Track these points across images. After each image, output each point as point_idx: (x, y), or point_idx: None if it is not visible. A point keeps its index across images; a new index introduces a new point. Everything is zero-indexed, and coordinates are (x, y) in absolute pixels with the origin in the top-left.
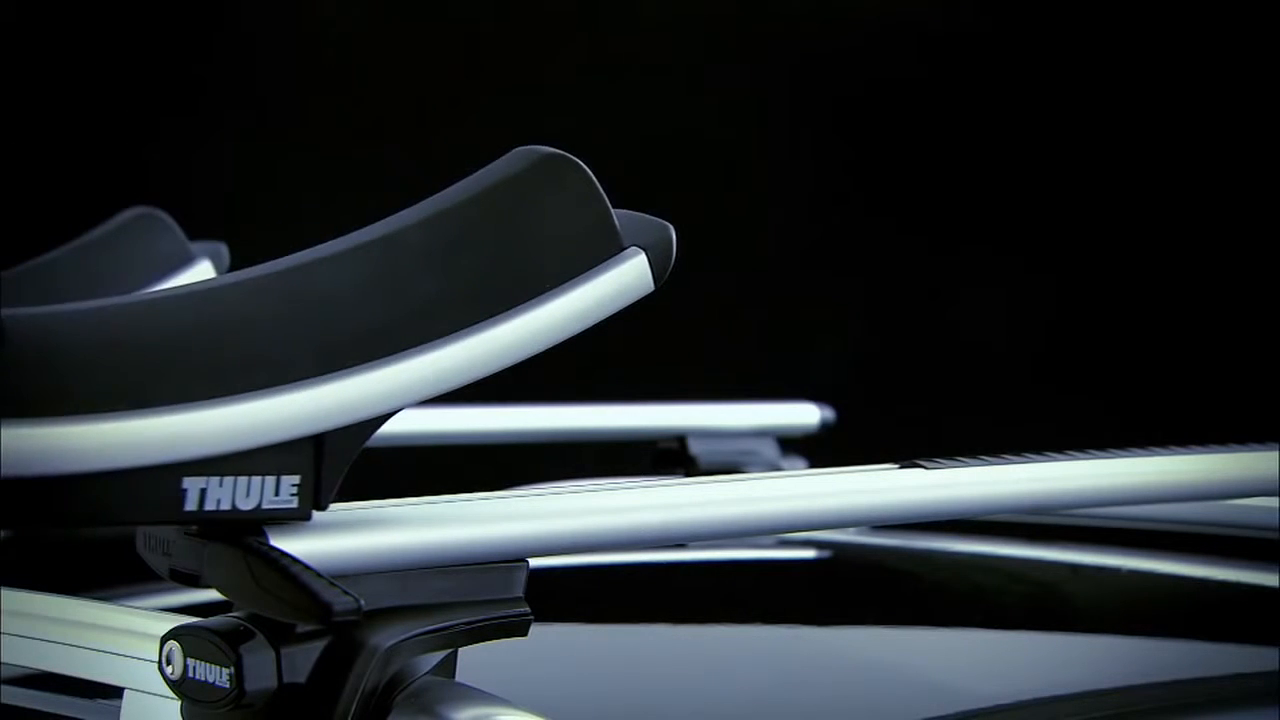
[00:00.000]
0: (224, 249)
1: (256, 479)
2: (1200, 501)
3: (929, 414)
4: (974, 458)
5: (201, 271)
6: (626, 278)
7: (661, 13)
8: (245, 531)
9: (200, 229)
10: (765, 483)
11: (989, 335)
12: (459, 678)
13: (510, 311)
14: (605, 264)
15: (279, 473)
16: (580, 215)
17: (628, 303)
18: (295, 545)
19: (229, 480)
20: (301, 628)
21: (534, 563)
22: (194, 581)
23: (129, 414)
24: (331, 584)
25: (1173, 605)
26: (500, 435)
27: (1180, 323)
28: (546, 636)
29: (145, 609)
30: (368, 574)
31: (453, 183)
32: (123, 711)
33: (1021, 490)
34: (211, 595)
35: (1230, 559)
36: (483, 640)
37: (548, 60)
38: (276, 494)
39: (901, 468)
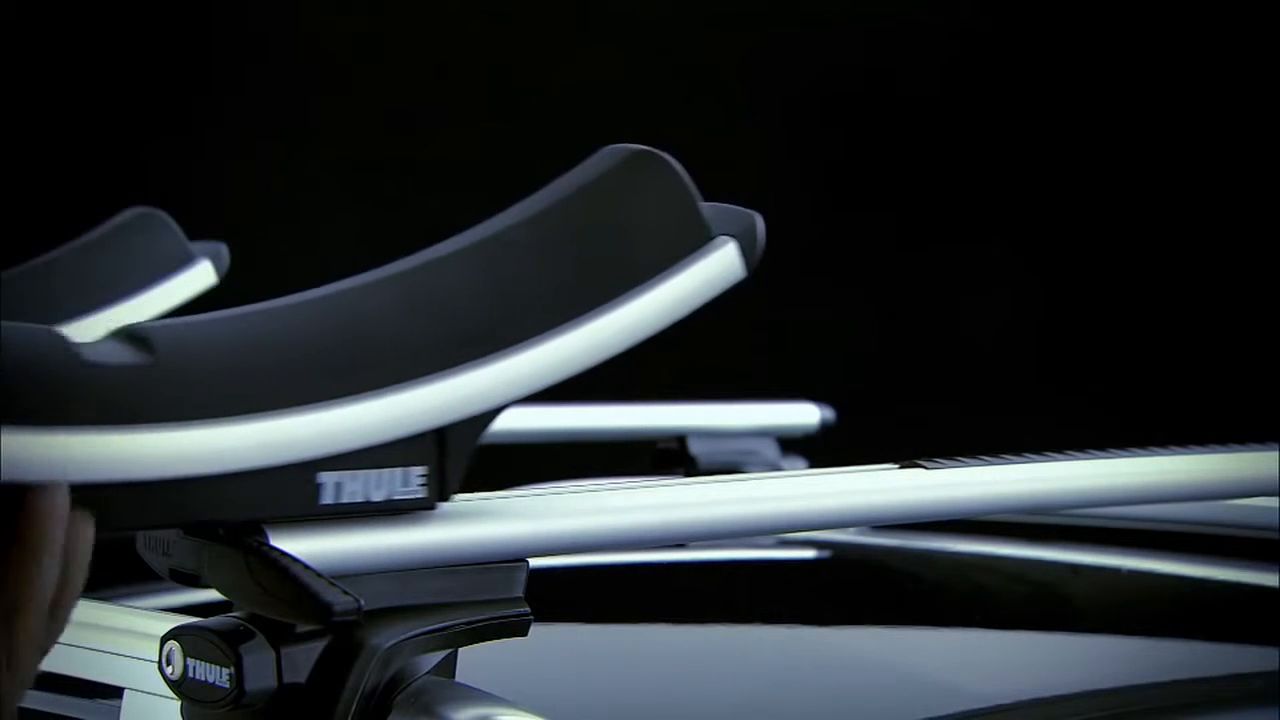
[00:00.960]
0: (224, 249)
1: (386, 471)
2: (1200, 501)
3: (929, 414)
4: (974, 458)
5: (201, 271)
6: (718, 266)
7: (661, 13)
8: (249, 532)
9: (200, 229)
10: (765, 483)
11: (989, 335)
12: (459, 678)
13: (612, 303)
14: (697, 254)
15: (406, 465)
16: (671, 208)
17: (721, 290)
18: (295, 545)
19: (361, 474)
20: (301, 628)
21: (534, 563)
22: (194, 581)
23: (268, 415)
24: (331, 584)
25: (1173, 605)
26: (500, 435)
27: (1180, 323)
28: (546, 636)
29: (145, 609)
30: (368, 574)
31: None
32: (123, 711)
33: (1021, 490)
34: (211, 595)
35: (1230, 559)
36: (483, 640)
37: (547, 60)
38: (405, 485)
39: (901, 468)
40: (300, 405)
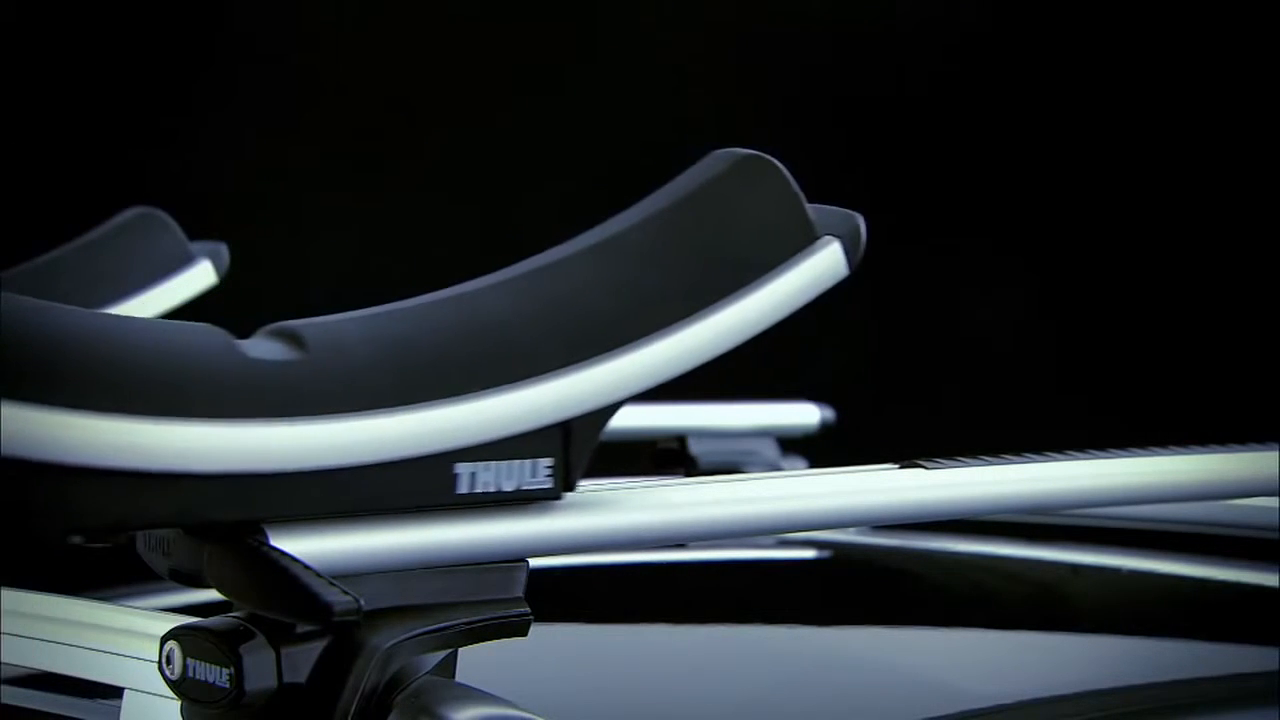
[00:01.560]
0: (224, 249)
1: (517, 463)
2: (1200, 501)
3: (929, 414)
4: (974, 458)
5: (201, 271)
6: (823, 265)
7: (660, 13)
8: (244, 533)
9: (200, 229)
10: (765, 483)
11: (989, 335)
12: (459, 678)
13: (723, 301)
14: (803, 253)
15: (535, 456)
16: (778, 209)
17: (826, 288)
18: (295, 545)
19: (493, 465)
20: (301, 628)
21: (534, 563)
22: (194, 581)
23: (410, 408)
24: (331, 584)
25: (1173, 605)
26: None
27: (1180, 322)
28: (546, 636)
29: (145, 609)
30: (368, 574)
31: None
32: (123, 711)
33: (1021, 490)
34: (211, 595)
35: (1230, 559)
36: (483, 640)
37: (547, 60)
38: (533, 476)
39: (901, 468)
40: (439, 399)
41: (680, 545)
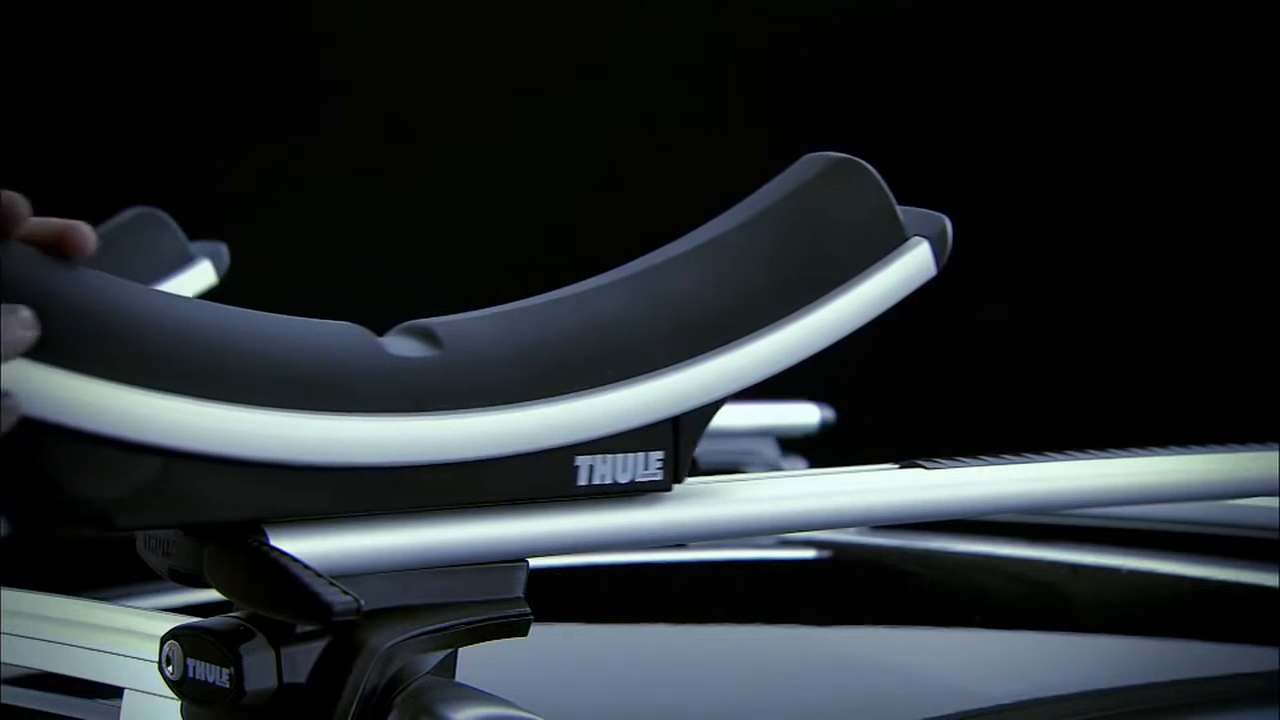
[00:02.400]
0: (224, 249)
1: (631, 456)
2: (1200, 501)
3: (929, 414)
4: (974, 458)
5: (201, 271)
6: (913, 265)
7: (660, 12)
8: (249, 532)
9: (200, 229)
10: (765, 483)
11: (989, 335)
12: (459, 678)
13: (820, 300)
14: (894, 253)
15: (647, 449)
16: (870, 211)
17: (916, 287)
18: (295, 545)
19: (610, 458)
20: (301, 628)
21: (534, 563)
22: (194, 581)
23: (537, 403)
24: (331, 584)
25: (1173, 605)
26: None
27: (1180, 322)
28: (546, 636)
29: (145, 609)
30: (368, 574)
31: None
32: (123, 711)
33: (1021, 490)
34: (211, 595)
35: (1230, 559)
36: (483, 640)
37: (547, 60)
38: (645, 469)
39: (901, 468)
40: (562, 395)
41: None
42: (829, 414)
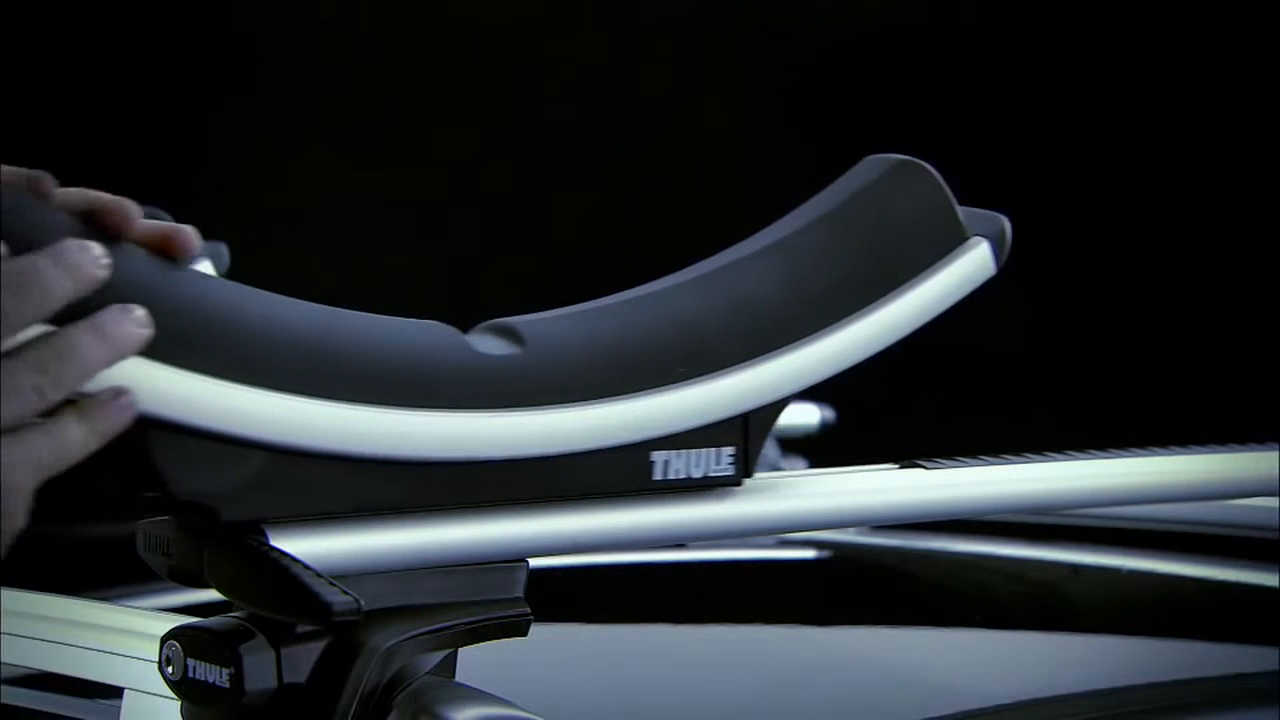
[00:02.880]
0: (224, 249)
1: (703, 451)
2: (1200, 501)
3: (929, 414)
4: (974, 458)
5: (202, 271)
6: (973, 264)
7: (660, 12)
8: (249, 532)
9: (200, 229)
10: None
11: (989, 335)
12: (459, 678)
13: (884, 299)
14: (955, 253)
15: (719, 445)
16: (931, 211)
17: (976, 286)
18: (295, 545)
19: (684, 453)
20: (301, 628)
21: (535, 563)
22: (194, 581)
23: (616, 399)
24: (331, 584)
25: (1173, 605)
26: None
27: (1180, 322)
28: (546, 636)
29: (145, 609)
30: (368, 574)
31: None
32: (123, 711)
33: (1021, 490)
34: (211, 595)
35: (1230, 559)
36: (483, 640)
37: (547, 60)
38: (717, 464)
39: (901, 468)
40: (640, 391)
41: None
42: (829, 414)
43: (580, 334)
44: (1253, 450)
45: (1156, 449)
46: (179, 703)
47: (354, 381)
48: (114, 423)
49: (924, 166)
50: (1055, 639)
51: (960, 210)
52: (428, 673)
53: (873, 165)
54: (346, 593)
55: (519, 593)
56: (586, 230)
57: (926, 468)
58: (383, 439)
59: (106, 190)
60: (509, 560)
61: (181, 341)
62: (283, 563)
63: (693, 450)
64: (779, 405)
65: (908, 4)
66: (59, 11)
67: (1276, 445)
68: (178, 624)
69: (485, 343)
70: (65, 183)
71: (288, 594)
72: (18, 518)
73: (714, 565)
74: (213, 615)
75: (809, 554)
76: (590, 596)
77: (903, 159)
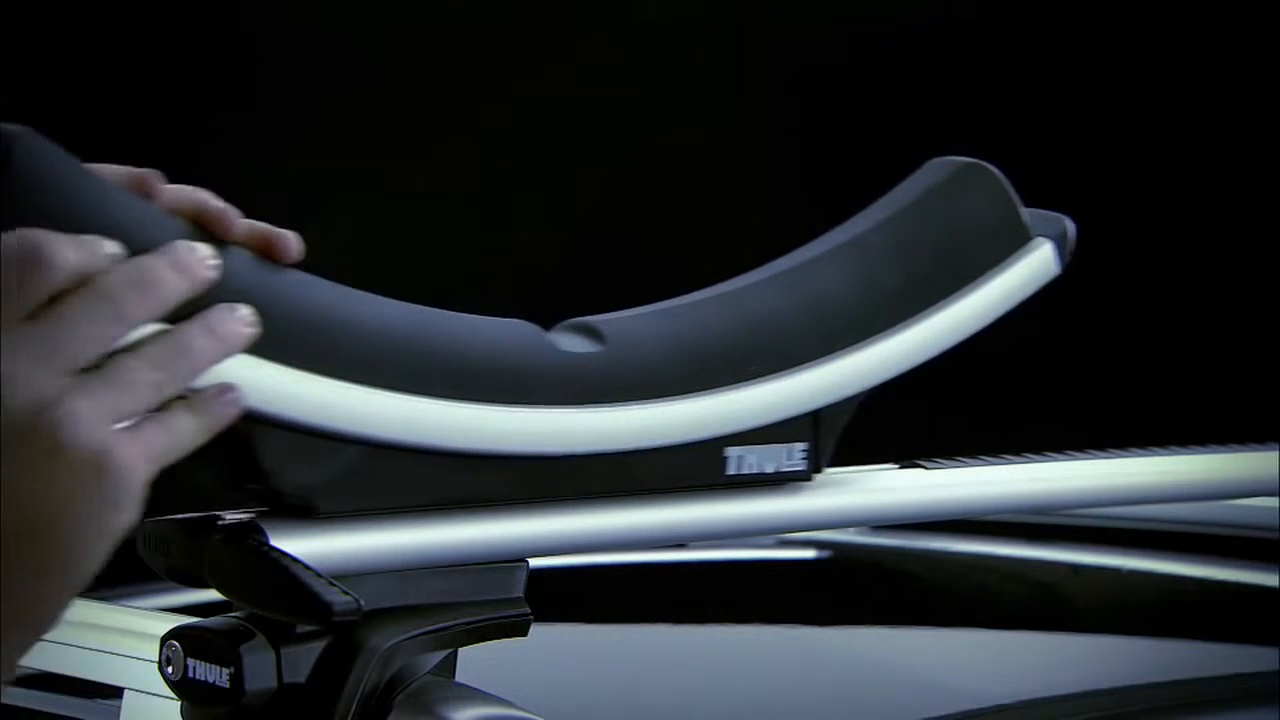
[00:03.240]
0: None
1: (775, 447)
2: (1200, 501)
3: (929, 414)
4: (974, 458)
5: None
6: (1037, 264)
7: (660, 12)
8: (249, 532)
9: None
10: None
11: (989, 335)
12: (459, 678)
13: (951, 298)
14: (1020, 253)
15: (790, 441)
16: (997, 212)
17: (1040, 285)
18: (295, 545)
19: (757, 449)
20: (301, 628)
21: (535, 563)
22: (194, 581)
23: (693, 396)
24: (331, 584)
25: (1173, 605)
26: None
27: (1180, 322)
28: (546, 636)
29: (145, 609)
30: (367, 574)
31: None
32: (123, 711)
33: (1021, 490)
34: (211, 595)
35: (1230, 559)
36: (483, 640)
37: (547, 61)
38: (789, 459)
39: (901, 468)
40: (716, 388)
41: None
42: None
43: (658, 332)
44: (1253, 450)
45: (1156, 449)
46: (179, 703)
47: (448, 378)
48: (222, 417)
49: (989, 168)
50: (1055, 639)
51: (1024, 211)
52: (428, 673)
53: (939, 167)
54: (346, 593)
55: (519, 593)
56: (589, 229)
57: (926, 468)
58: (474, 434)
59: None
60: (509, 560)
61: (285, 339)
62: (283, 563)
63: (765, 446)
64: (849, 402)
65: (913, 4)
66: (59, 11)
67: (1276, 445)
68: (178, 624)
69: (568, 341)
70: None
71: (288, 594)
72: (133, 510)
73: (714, 565)
74: (213, 615)
75: (809, 554)
76: (590, 596)
77: (969, 161)
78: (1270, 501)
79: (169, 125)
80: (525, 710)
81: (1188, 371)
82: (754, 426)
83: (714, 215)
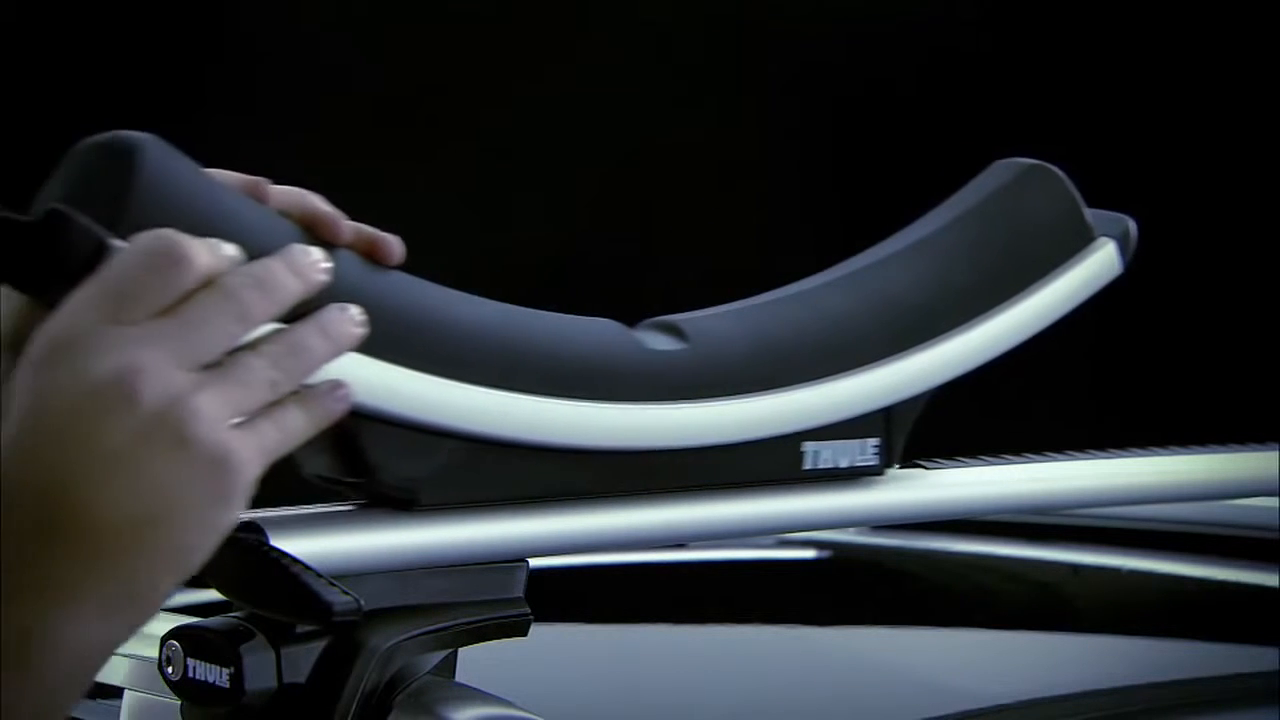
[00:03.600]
0: None
1: (850, 442)
2: (1200, 501)
3: (928, 414)
4: (974, 458)
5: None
6: (1101, 264)
7: (661, 13)
8: (250, 532)
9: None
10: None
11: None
12: (459, 678)
13: (1017, 297)
14: (1084, 253)
15: (864, 436)
16: (1061, 213)
17: (1103, 284)
18: (295, 545)
19: (832, 444)
20: (301, 628)
21: (535, 562)
22: (194, 581)
23: (772, 393)
24: (331, 584)
25: (1173, 605)
26: None
27: (1179, 322)
28: (546, 636)
29: None
30: (368, 574)
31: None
32: (123, 711)
33: (1021, 490)
34: (211, 595)
35: (1230, 559)
36: (483, 640)
37: (547, 61)
38: (862, 454)
39: (902, 468)
40: (794, 385)
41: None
42: None
43: (737, 330)
44: (1253, 450)
45: (1156, 449)
46: (179, 703)
47: (543, 376)
48: (331, 413)
49: (1054, 170)
50: (1055, 639)
51: (1088, 211)
52: (428, 673)
53: (1005, 169)
54: (347, 593)
55: (519, 593)
56: (590, 228)
57: (926, 468)
58: (567, 429)
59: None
60: (509, 560)
61: (392, 338)
62: (283, 562)
63: (840, 441)
64: (919, 399)
65: (913, 4)
66: (59, 11)
67: (1276, 445)
68: (178, 624)
69: (653, 339)
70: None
71: (288, 594)
72: (242, 506)
73: (714, 565)
74: (213, 615)
75: (809, 554)
76: (590, 596)
77: (1034, 163)
78: (1270, 501)
79: (169, 125)
80: (525, 710)
81: (1188, 371)
82: (830, 422)
83: (714, 215)
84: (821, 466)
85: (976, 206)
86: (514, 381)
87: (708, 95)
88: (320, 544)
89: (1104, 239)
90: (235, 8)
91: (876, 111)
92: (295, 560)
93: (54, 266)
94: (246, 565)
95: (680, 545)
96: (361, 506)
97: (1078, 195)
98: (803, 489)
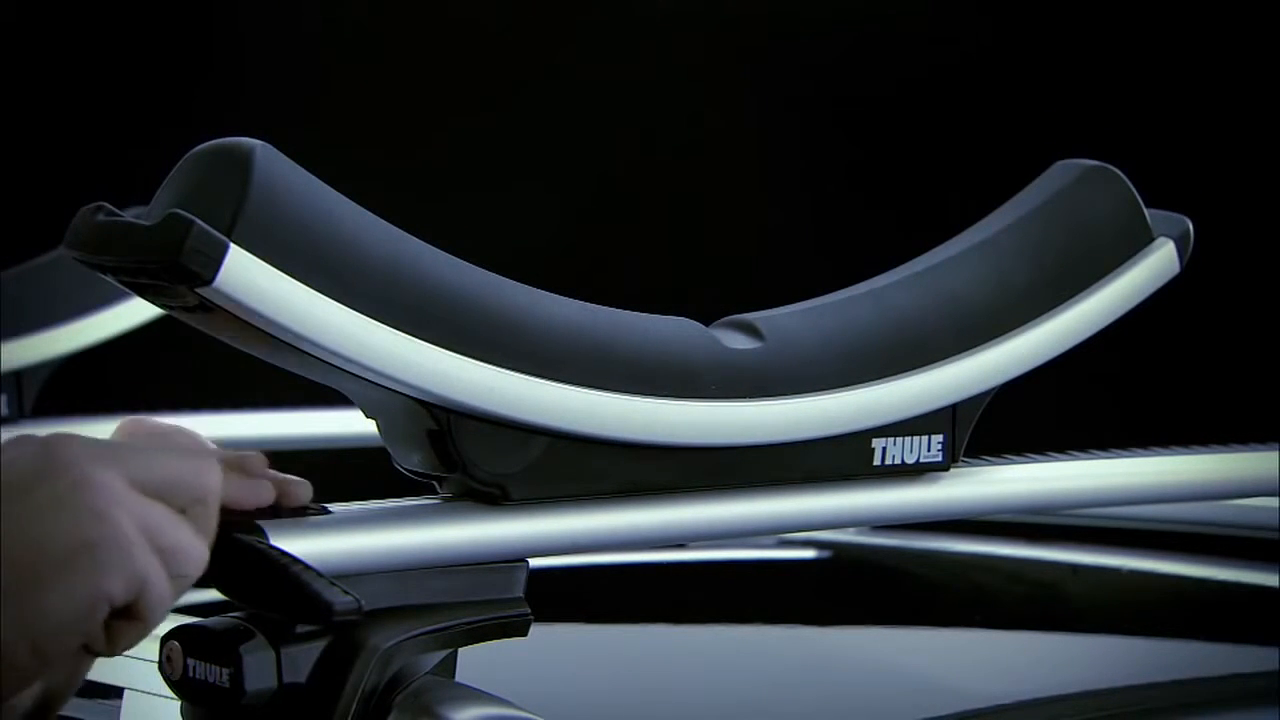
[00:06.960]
0: None
1: (917, 438)
2: (1200, 501)
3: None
4: (974, 458)
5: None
6: (1160, 264)
7: (660, 12)
8: (250, 532)
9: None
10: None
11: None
12: (459, 678)
13: (1079, 296)
14: (1143, 253)
15: (930, 433)
16: (1122, 213)
17: (1162, 284)
18: (295, 545)
19: (900, 440)
20: (301, 628)
21: (534, 562)
22: (194, 581)
23: (844, 390)
24: (331, 584)
25: (1173, 605)
26: None
27: (1180, 322)
28: (546, 636)
29: None
30: (368, 574)
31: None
32: (123, 711)
33: (1021, 490)
34: (211, 595)
35: (1230, 559)
36: (483, 640)
37: (547, 63)
38: (929, 450)
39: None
40: (866, 382)
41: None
42: None
43: (810, 328)
44: (1253, 450)
45: (1156, 449)
46: (179, 703)
47: (627, 374)
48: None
49: (1114, 171)
50: (1055, 639)
51: (1147, 212)
52: (428, 673)
53: (1066, 169)
54: (347, 593)
55: (519, 593)
56: (590, 228)
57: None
58: (653, 426)
59: (107, 188)
60: (509, 560)
61: (487, 340)
62: (283, 563)
63: (908, 437)
64: (983, 396)
65: (915, 4)
66: (59, 11)
67: (1276, 445)
68: (178, 624)
69: (730, 337)
70: (67, 182)
71: (288, 594)
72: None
73: (714, 565)
74: (213, 615)
75: (809, 554)
76: (590, 596)
77: (1094, 164)
78: (1270, 501)
79: (169, 126)
80: (525, 710)
81: (1188, 371)
82: (899, 419)
83: (714, 215)
84: (890, 463)
85: (1039, 207)
86: (602, 380)
87: (708, 95)
88: (320, 544)
89: (1163, 239)
90: (234, 7)
91: (876, 112)
92: (296, 560)
93: (173, 269)
94: (247, 565)
95: (692, 544)
96: (446, 500)
97: (1138, 195)
98: (873, 484)
